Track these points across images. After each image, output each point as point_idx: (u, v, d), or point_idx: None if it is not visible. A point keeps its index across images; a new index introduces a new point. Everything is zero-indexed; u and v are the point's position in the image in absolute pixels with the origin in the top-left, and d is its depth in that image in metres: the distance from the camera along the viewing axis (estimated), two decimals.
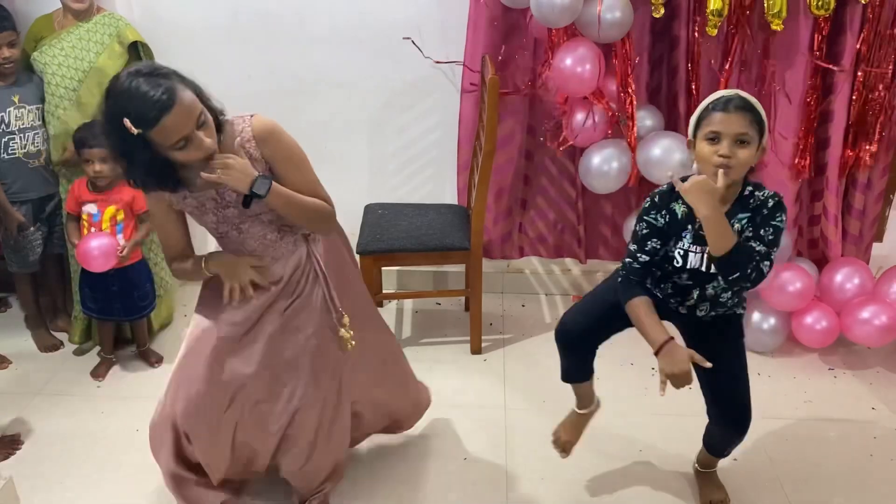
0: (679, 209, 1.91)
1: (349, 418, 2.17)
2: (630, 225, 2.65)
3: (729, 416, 2.08)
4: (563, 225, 3.27)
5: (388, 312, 3.31)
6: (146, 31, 2.89)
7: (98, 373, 2.89)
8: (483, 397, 2.76)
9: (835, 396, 2.81)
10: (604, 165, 2.89)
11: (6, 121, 2.75)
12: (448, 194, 3.29)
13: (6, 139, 2.76)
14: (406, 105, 3.17)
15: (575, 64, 2.71)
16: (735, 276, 1.79)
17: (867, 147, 2.86)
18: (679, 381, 1.84)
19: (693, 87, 2.87)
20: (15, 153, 2.79)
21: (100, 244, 2.62)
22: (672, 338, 1.87)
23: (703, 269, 1.91)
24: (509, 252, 3.33)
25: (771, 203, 1.84)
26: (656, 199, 1.93)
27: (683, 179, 1.82)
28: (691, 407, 2.58)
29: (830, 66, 2.75)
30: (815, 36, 2.74)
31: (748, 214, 1.86)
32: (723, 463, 2.37)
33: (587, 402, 2.31)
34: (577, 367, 2.24)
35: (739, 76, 2.84)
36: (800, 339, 3.00)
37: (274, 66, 3.11)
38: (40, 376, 2.88)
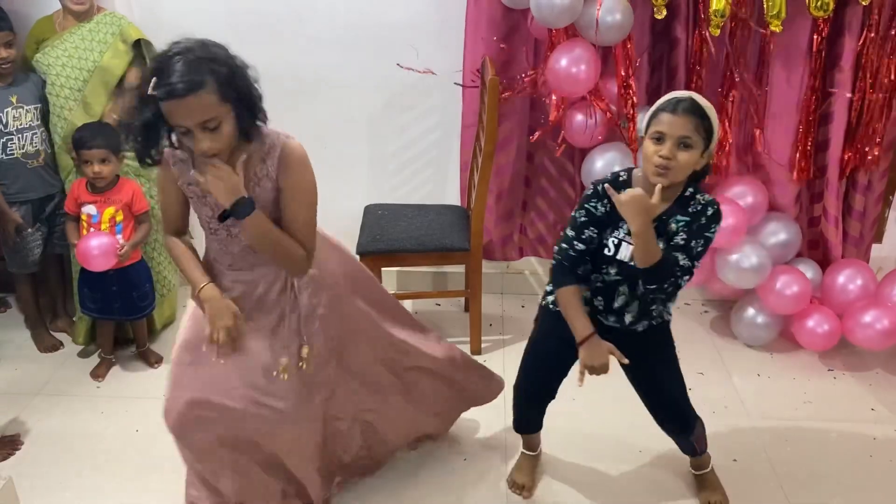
0: None
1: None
2: None
3: (673, 422, 2.18)
4: (562, 226, 3.25)
5: None
6: (146, 30, 2.89)
7: (98, 373, 2.89)
8: None
9: (835, 397, 2.81)
10: (607, 169, 2.88)
11: (4, 121, 2.74)
12: (448, 195, 3.29)
13: (4, 140, 2.76)
14: (406, 105, 3.17)
15: (570, 64, 2.71)
16: (653, 287, 1.85)
17: (867, 149, 2.86)
18: (598, 371, 1.95)
19: (693, 87, 2.87)
20: (13, 153, 2.78)
21: (99, 243, 2.63)
22: (595, 332, 1.93)
23: (633, 263, 1.90)
24: (509, 253, 3.33)
25: (710, 212, 1.86)
26: (599, 189, 1.92)
27: (622, 181, 1.88)
28: None
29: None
30: (815, 37, 2.74)
31: (686, 219, 1.86)
32: (722, 464, 2.37)
33: (536, 444, 2.39)
34: (535, 418, 2.30)
35: (739, 77, 2.84)
36: (801, 343, 3.00)
37: (274, 66, 3.07)
38: (40, 377, 2.88)
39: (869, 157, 2.86)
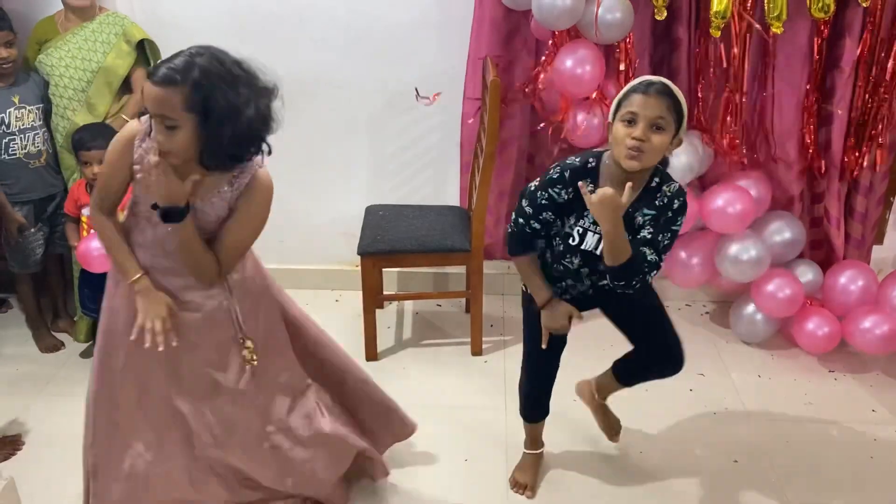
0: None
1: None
2: None
3: (668, 354, 2.17)
4: None
5: (388, 314, 3.31)
6: (147, 30, 2.89)
7: None
8: (483, 399, 2.77)
9: (835, 399, 2.81)
10: None
11: (6, 122, 2.75)
12: (449, 196, 3.30)
13: (6, 140, 2.77)
14: (407, 106, 3.16)
15: (575, 65, 2.71)
16: (621, 283, 1.84)
17: (868, 151, 2.87)
18: (558, 332, 2.07)
19: (695, 89, 2.88)
20: (15, 154, 2.79)
21: (100, 244, 2.63)
22: (552, 295, 2.03)
23: (598, 252, 1.89)
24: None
25: (676, 205, 1.85)
26: (566, 175, 1.89)
27: (590, 169, 1.88)
28: (691, 410, 2.58)
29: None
30: (815, 39, 2.74)
31: (653, 212, 1.85)
32: (722, 464, 2.37)
33: (539, 441, 2.39)
34: (545, 403, 2.28)
35: (739, 77, 2.84)
36: (801, 345, 3.00)
37: (273, 67, 3.09)
38: (41, 377, 2.88)
39: (868, 159, 2.87)
